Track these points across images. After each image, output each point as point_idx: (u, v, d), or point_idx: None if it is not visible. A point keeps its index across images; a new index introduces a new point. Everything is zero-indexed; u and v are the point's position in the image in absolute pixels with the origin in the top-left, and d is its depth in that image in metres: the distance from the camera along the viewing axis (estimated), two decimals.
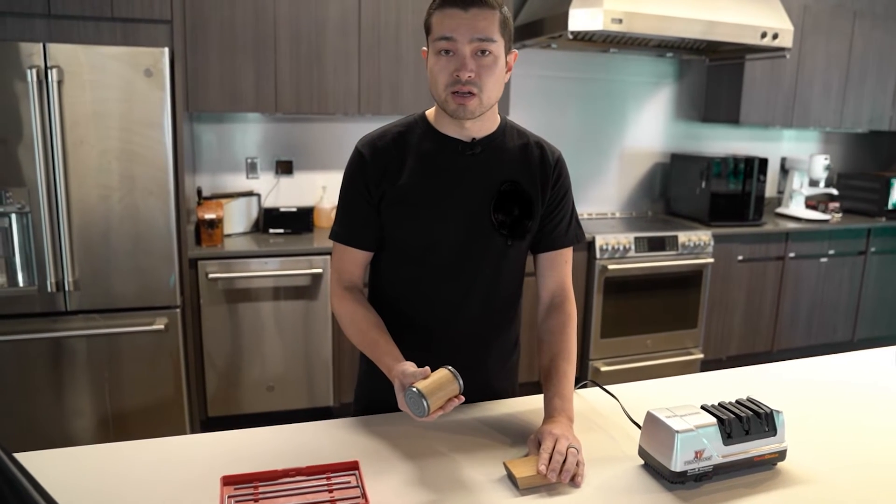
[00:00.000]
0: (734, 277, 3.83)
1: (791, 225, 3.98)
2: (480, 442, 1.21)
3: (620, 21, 3.03)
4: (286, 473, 1.02)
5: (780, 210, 4.37)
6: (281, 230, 3.29)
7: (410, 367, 1.11)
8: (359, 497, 0.98)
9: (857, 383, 1.55)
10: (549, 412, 1.22)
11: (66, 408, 2.66)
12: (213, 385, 2.99)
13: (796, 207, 4.28)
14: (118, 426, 2.72)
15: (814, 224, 4.02)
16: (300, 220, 3.32)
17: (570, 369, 1.30)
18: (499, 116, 1.36)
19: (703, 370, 3.85)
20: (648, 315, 3.64)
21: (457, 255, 1.31)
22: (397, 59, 3.19)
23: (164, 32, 2.66)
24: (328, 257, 3.01)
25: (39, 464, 1.07)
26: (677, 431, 1.07)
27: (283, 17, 2.98)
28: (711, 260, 3.67)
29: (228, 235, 3.21)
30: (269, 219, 3.30)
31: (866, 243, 4.16)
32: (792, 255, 3.94)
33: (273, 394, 3.08)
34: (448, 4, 1.19)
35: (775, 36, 3.35)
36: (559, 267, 1.41)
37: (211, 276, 2.86)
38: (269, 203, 3.46)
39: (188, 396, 2.83)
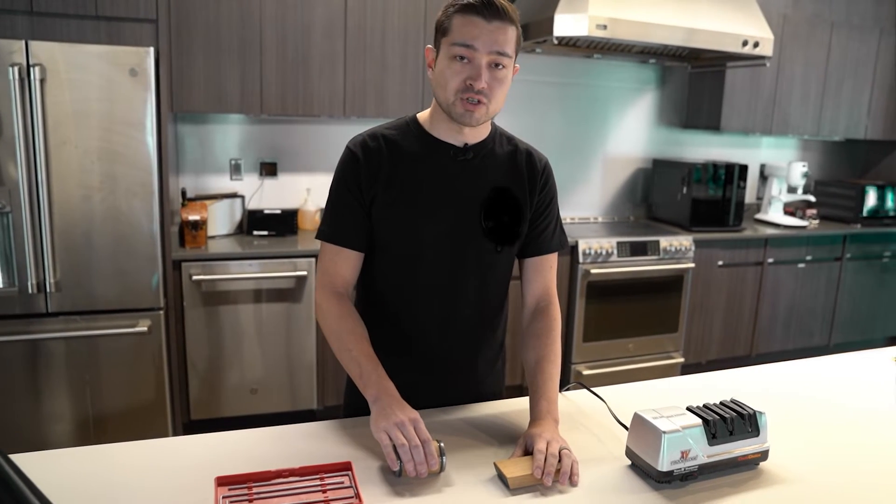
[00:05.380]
0: (714, 282, 3.88)
1: (770, 231, 4.05)
2: (469, 443, 1.22)
3: (605, 27, 3.07)
4: (280, 474, 1.02)
5: (759, 216, 4.44)
6: (265, 232, 3.28)
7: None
8: (352, 497, 0.99)
9: (835, 385, 1.58)
10: (536, 415, 1.23)
11: (46, 412, 2.62)
12: (195, 388, 2.97)
13: (775, 214, 4.35)
14: (99, 430, 2.69)
15: (792, 230, 4.10)
16: (284, 223, 3.31)
17: (556, 372, 1.31)
18: (490, 123, 1.38)
19: (683, 374, 3.91)
20: (630, 319, 3.67)
21: (446, 260, 1.32)
22: (383, 63, 3.20)
23: (150, 32, 2.64)
24: (313, 260, 3.01)
25: (31, 465, 1.06)
26: (664, 432, 1.09)
27: (268, 18, 2.98)
28: (692, 265, 3.72)
29: (212, 237, 3.19)
30: (253, 221, 3.29)
31: (842, 249, 4.24)
32: (771, 260, 4.01)
33: (256, 397, 3.07)
34: (471, 11, 1.19)
35: (756, 44, 3.41)
36: (544, 272, 1.42)
37: (195, 278, 2.84)
38: (252, 205, 3.45)
39: (171, 400, 2.80)
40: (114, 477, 1.05)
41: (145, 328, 2.67)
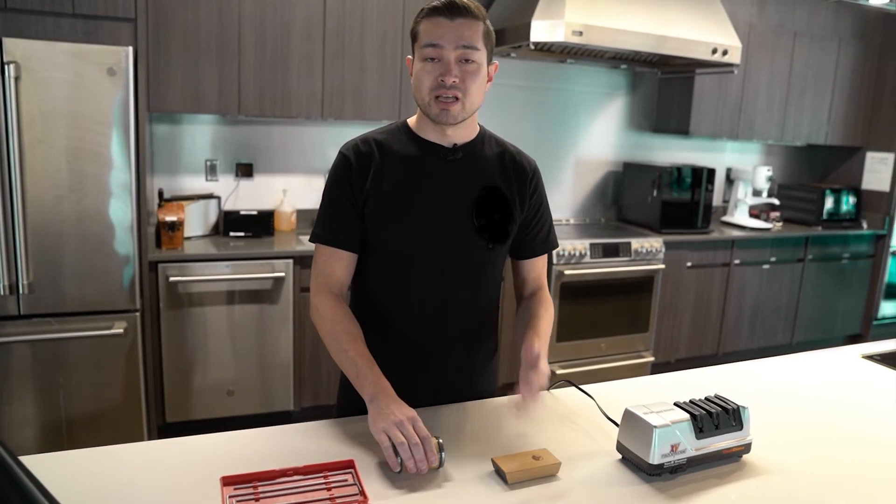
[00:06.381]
0: (683, 283, 3.98)
1: (735, 233, 4.17)
2: (466, 440, 1.25)
3: (581, 33, 3.13)
4: (284, 473, 1.03)
5: (726, 218, 4.57)
6: (241, 233, 3.26)
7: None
8: (357, 494, 1.01)
9: (809, 382, 1.66)
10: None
11: (17, 416, 2.57)
12: (171, 390, 2.93)
13: (741, 216, 4.48)
14: (72, 434, 2.64)
15: (757, 232, 4.23)
16: (260, 224, 3.30)
17: (548, 319, 1.39)
18: (478, 125, 1.42)
19: (653, 373, 4.00)
20: (603, 319, 3.75)
21: (440, 259, 1.35)
22: (361, 65, 3.21)
23: (128, 31, 2.61)
24: (290, 261, 3.01)
25: (36, 467, 1.05)
26: (655, 427, 1.13)
27: (247, 18, 2.96)
28: (662, 266, 3.81)
29: (188, 238, 3.16)
30: (229, 222, 3.26)
31: (804, 251, 4.39)
32: (737, 261, 4.13)
33: (233, 398, 3.05)
34: (435, 13, 1.25)
35: (725, 52, 3.52)
36: (539, 269, 1.50)
37: (172, 279, 2.81)
38: (228, 206, 3.42)
39: (146, 402, 2.77)
40: (120, 478, 1.06)
41: (121, 330, 2.64)
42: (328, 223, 1.35)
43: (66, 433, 2.64)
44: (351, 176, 1.33)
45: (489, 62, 1.31)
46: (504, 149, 1.43)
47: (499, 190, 1.38)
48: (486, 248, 1.38)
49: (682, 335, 4.08)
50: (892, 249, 4.74)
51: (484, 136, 1.42)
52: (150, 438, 2.81)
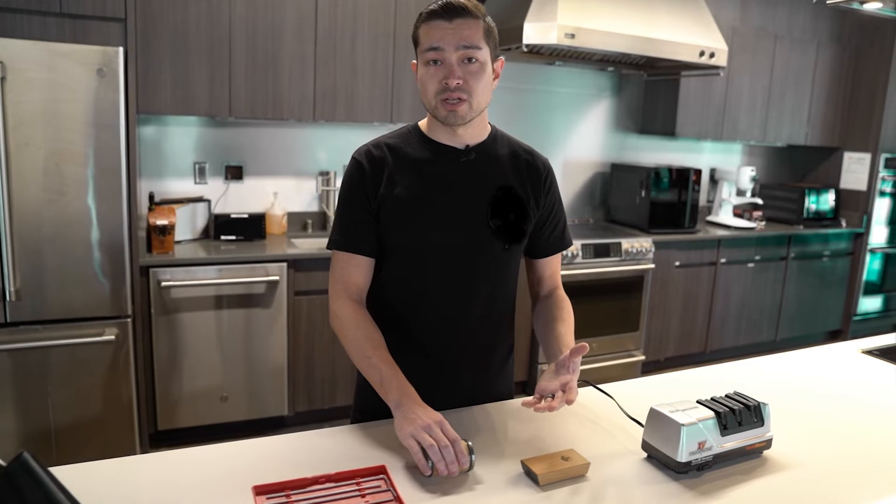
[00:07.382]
0: (672, 282, 4.02)
1: (721, 232, 4.22)
2: (492, 443, 1.24)
3: (573, 36, 3.15)
4: (316, 480, 1.01)
5: (710, 218, 4.63)
6: (232, 237, 3.21)
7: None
8: (392, 500, 0.99)
9: (815, 377, 1.68)
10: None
11: (2, 426, 2.49)
12: (163, 397, 2.88)
13: (725, 216, 4.55)
14: (61, 444, 2.57)
15: (742, 231, 4.29)
16: (252, 227, 3.26)
17: (571, 324, 1.40)
18: (489, 125, 1.41)
19: (643, 372, 4.03)
20: (594, 319, 3.77)
21: (456, 261, 1.34)
22: (353, 67, 3.19)
23: (117, 31, 2.56)
24: (284, 265, 2.97)
25: (65, 478, 1.02)
26: (683, 425, 1.14)
27: (238, 20, 2.92)
28: (652, 266, 3.84)
29: (178, 242, 3.10)
30: (220, 225, 3.21)
31: (787, 249, 4.47)
32: (723, 260, 4.19)
33: (226, 404, 3.00)
34: (434, 17, 1.24)
35: (712, 55, 3.56)
36: (554, 268, 1.50)
37: (164, 284, 2.76)
38: (217, 209, 3.37)
39: (138, 410, 2.71)
40: (147, 489, 1.03)
41: (112, 337, 2.58)
42: (345, 229, 1.34)
43: (54, 443, 2.57)
44: (365, 181, 1.32)
45: (494, 58, 1.31)
46: (517, 148, 1.43)
47: (513, 190, 1.37)
48: (502, 249, 1.37)
49: (671, 334, 4.11)
50: (869, 247, 4.85)
51: (496, 135, 1.42)
52: (141, 447, 2.75)
